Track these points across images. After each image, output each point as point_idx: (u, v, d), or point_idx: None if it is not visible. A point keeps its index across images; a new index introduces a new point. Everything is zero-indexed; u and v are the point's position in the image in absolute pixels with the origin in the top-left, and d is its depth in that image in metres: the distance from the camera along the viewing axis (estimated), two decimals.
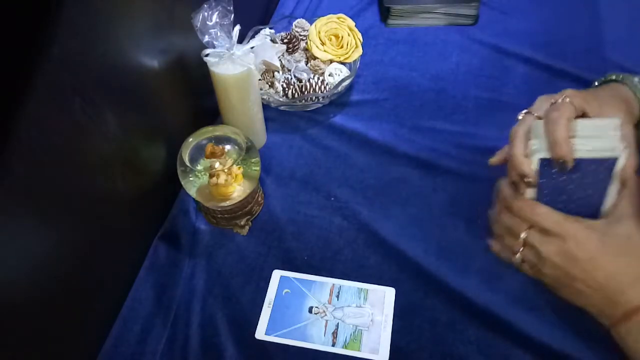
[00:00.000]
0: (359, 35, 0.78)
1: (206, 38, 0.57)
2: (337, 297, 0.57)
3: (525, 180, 0.51)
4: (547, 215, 0.50)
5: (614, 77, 0.59)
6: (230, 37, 0.59)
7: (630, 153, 0.49)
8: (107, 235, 0.54)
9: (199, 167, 0.58)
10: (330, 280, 0.58)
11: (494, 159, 0.58)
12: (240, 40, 0.61)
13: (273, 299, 0.57)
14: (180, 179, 0.58)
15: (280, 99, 0.73)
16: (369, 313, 0.55)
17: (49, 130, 0.43)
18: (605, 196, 0.50)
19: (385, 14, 0.91)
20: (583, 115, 0.52)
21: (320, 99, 0.74)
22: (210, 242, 0.63)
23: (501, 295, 0.55)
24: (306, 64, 0.78)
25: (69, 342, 0.50)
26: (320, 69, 0.76)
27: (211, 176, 0.57)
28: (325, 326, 0.55)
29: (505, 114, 0.65)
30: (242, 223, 0.63)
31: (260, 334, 0.54)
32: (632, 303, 0.47)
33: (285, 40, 0.79)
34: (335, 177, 0.68)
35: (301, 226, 0.63)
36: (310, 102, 0.75)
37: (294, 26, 0.82)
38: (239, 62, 0.60)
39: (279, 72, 0.76)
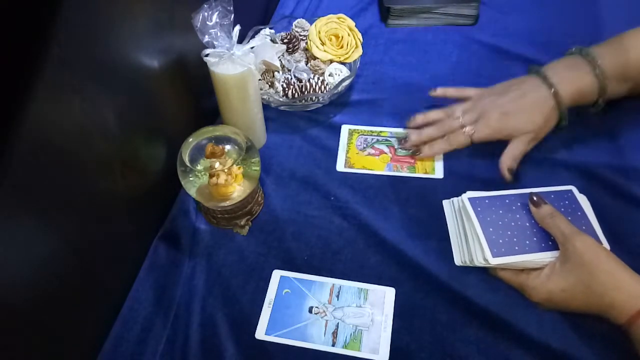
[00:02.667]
0: (359, 35, 0.77)
1: (206, 38, 0.57)
2: (337, 297, 0.57)
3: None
4: (504, 273, 0.56)
5: (574, 50, 0.67)
6: (230, 37, 0.59)
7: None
8: (107, 235, 0.54)
9: (199, 167, 0.58)
10: (330, 280, 0.58)
11: (437, 92, 0.72)
12: (240, 40, 0.61)
13: (273, 299, 0.57)
14: (180, 179, 0.58)
15: (280, 99, 0.73)
16: (369, 313, 0.55)
17: (49, 130, 0.43)
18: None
19: (385, 14, 0.91)
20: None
21: (320, 99, 0.74)
22: (210, 242, 0.63)
23: (501, 295, 0.55)
24: (306, 64, 0.78)
25: (69, 342, 0.50)
26: (320, 69, 0.76)
27: (211, 176, 0.57)
28: (325, 326, 0.55)
29: None
30: (242, 223, 0.63)
31: (260, 334, 0.54)
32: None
33: (285, 40, 0.79)
34: (335, 177, 0.68)
35: (301, 226, 0.63)
36: (310, 102, 0.75)
37: (294, 26, 0.82)
38: (239, 62, 0.60)
39: (279, 72, 0.76)
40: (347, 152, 0.71)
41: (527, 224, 0.55)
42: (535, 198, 0.55)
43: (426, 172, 0.67)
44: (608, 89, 0.63)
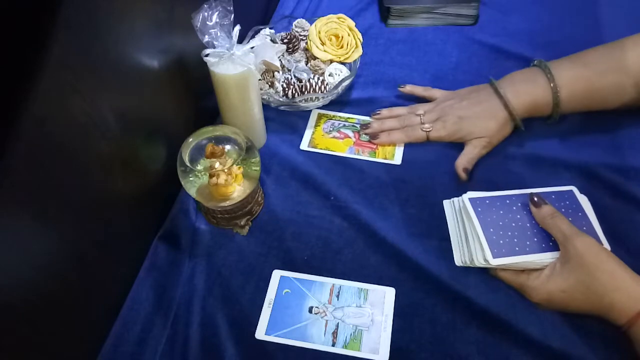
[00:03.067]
0: (359, 35, 0.77)
1: (206, 38, 0.57)
2: (337, 297, 0.57)
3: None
4: (504, 274, 0.56)
5: (535, 63, 0.68)
6: (230, 37, 0.59)
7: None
8: (107, 235, 0.54)
9: (199, 167, 0.58)
10: (330, 280, 0.58)
11: (405, 89, 0.76)
12: (240, 40, 0.61)
13: (273, 299, 0.57)
14: (180, 179, 0.58)
15: (280, 99, 0.73)
16: (369, 313, 0.55)
17: (49, 130, 0.43)
18: None
19: (385, 14, 0.91)
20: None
21: (320, 99, 0.74)
22: (210, 242, 0.63)
23: (501, 295, 0.55)
24: (306, 64, 0.78)
25: (69, 342, 0.50)
26: (320, 69, 0.76)
27: (211, 176, 0.57)
28: (325, 326, 0.55)
29: None
30: (242, 223, 0.63)
31: (260, 334, 0.54)
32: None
33: (285, 40, 0.79)
34: (335, 177, 0.68)
35: (301, 226, 0.63)
36: (311, 102, 0.75)
37: (294, 26, 0.82)
38: (239, 62, 0.60)
39: (279, 72, 0.76)
40: (313, 133, 0.73)
41: (528, 225, 0.55)
42: (535, 198, 0.55)
43: (385, 158, 0.70)
44: (561, 103, 0.65)
